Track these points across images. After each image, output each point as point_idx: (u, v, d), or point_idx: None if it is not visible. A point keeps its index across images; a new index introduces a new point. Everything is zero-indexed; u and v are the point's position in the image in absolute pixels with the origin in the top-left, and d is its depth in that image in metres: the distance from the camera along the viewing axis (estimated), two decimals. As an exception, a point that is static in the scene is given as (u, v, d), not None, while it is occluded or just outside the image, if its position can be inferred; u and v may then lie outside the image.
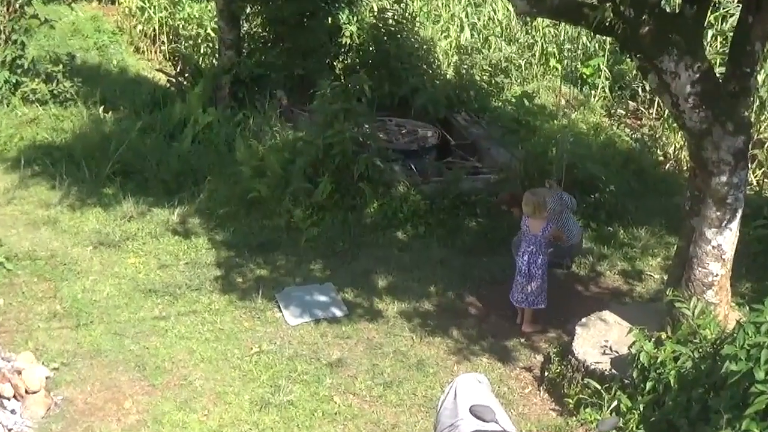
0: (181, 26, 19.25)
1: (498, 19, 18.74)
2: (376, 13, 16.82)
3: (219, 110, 14.73)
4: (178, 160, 13.46)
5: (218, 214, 12.33)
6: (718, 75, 8.50)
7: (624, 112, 16.58)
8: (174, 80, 16.23)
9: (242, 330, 10.07)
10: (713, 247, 8.47)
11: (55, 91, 15.31)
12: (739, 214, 8.45)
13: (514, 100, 15.91)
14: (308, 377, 9.32)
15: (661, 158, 15.15)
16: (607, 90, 16.92)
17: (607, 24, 7.92)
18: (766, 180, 14.10)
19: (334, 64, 16.47)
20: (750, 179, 13.40)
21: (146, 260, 11.34)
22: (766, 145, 14.16)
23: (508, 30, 18.57)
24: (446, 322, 10.45)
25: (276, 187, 12.50)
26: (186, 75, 16.16)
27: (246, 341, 9.86)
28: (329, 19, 16.24)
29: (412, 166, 13.54)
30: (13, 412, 8.43)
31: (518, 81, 17.35)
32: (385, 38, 16.33)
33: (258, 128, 13.82)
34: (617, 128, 15.89)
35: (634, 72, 16.37)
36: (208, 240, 11.87)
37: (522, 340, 10.19)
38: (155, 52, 19.62)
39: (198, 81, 15.42)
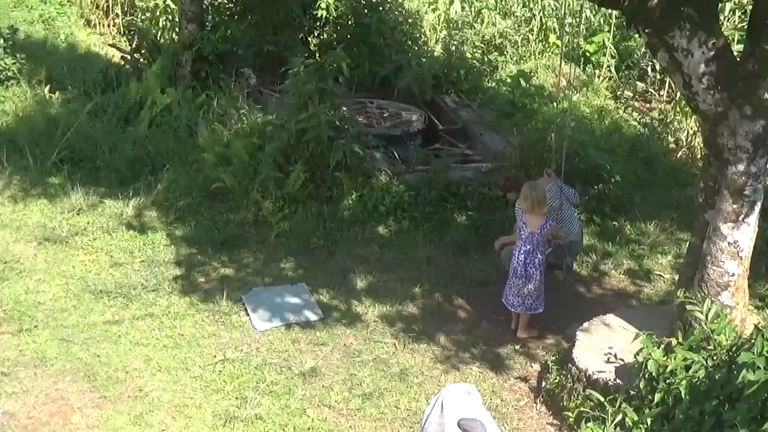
0: (137, -4, 19.16)
1: (492, -10, 18.75)
2: (355, -17, 16.78)
3: (179, 91, 14.72)
4: (133, 146, 13.45)
5: (178, 206, 12.34)
6: (735, 53, 8.45)
7: (631, 94, 16.68)
8: (129, 57, 16.19)
9: (204, 336, 10.05)
10: (729, 243, 8.46)
11: (-6, 69, 15.26)
12: (758, 207, 8.43)
13: (509, 80, 16.05)
14: (278, 388, 9.27)
15: (672, 145, 15.16)
16: (612, 69, 17.07)
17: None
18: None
19: (309, 39, 16.50)
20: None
21: (97, 258, 11.31)
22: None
23: (503, 2, 18.62)
24: (432, 327, 10.46)
25: (243, 176, 12.53)
26: (142, 51, 16.14)
27: (209, 348, 9.83)
28: (303, -12, 16.21)
29: (395, 154, 13.58)
30: (-55, 427, 8.40)
31: (514, 59, 17.45)
32: (366, 11, 16.35)
33: (223, 111, 13.81)
34: (624, 112, 15.98)
35: (643, 49, 16.49)
36: (167, 235, 11.87)
37: (517, 347, 10.19)
38: (108, 26, 19.53)
39: (156, 58, 15.39)
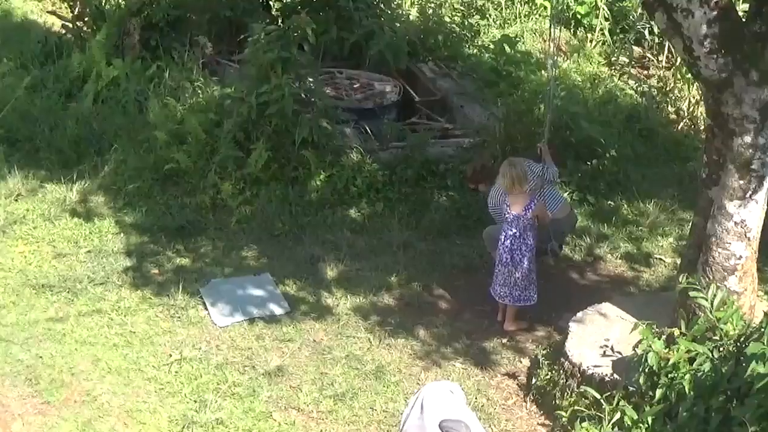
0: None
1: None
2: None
3: (127, 62, 14.66)
4: (76, 124, 13.43)
5: (127, 190, 12.34)
6: (740, 13, 8.45)
7: (627, 60, 16.67)
8: (70, 25, 16.06)
9: (159, 333, 10.03)
10: (736, 223, 8.46)
11: None
12: (766, 183, 8.42)
13: (492, 46, 16.06)
14: (241, 390, 9.26)
15: (673, 116, 15.18)
16: (606, 33, 17.08)
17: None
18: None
19: (270, 3, 16.43)
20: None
21: (38, 248, 11.28)
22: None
23: (485, -41, 18.54)
24: (411, 319, 10.48)
25: (199, 156, 12.53)
26: (85, 19, 15.97)
27: (163, 347, 9.82)
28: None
29: (368, 129, 13.57)
30: None
31: (497, 23, 17.50)
32: (333, -31, 16.28)
33: (176, 84, 13.78)
34: (619, 80, 15.98)
35: (639, 10, 16.52)
36: (116, 222, 11.87)
37: (504, 340, 10.21)
38: (47, -9, 19.39)
39: (100, 26, 15.29)
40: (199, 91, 13.40)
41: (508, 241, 10.07)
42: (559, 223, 10.77)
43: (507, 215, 10.09)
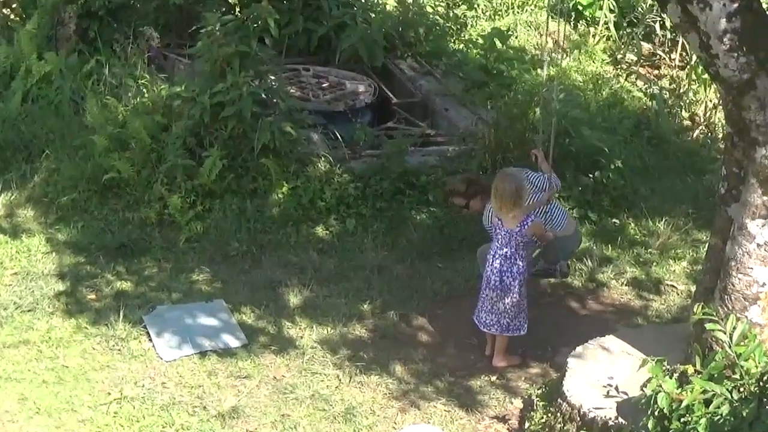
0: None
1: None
2: None
3: (61, 56, 14.67)
4: (2, 127, 13.49)
5: (60, 203, 12.35)
6: (764, 5, 8.48)
7: (635, 58, 16.75)
8: (-5, 13, 16.08)
9: (96, 368, 9.97)
10: (759, 245, 8.32)
11: None
12: (794, 200, 8.43)
13: (481, 41, 16.13)
14: (191, 433, 9.34)
15: (687, 122, 15.23)
16: (611, 27, 17.13)
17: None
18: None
19: (226, -11, 16.47)
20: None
21: (-44, 270, 11.25)
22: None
23: (473, -58, 18.63)
24: (386, 354, 10.47)
25: (143, 164, 12.50)
26: (13, 6, 16.01)
27: (101, 384, 9.74)
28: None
29: (338, 135, 13.53)
30: None
31: (487, 14, 17.61)
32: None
33: (117, 81, 13.76)
34: (626, 80, 16.04)
35: (649, 2, 16.61)
36: (47, 240, 11.89)
37: (493, 378, 10.18)
38: (-33, -26, 19.40)
39: (31, 14, 15.31)
40: (144, 90, 13.37)
41: (498, 262, 10.04)
42: (567, 240, 10.84)
43: (497, 232, 10.06)
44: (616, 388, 9.05)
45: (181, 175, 12.25)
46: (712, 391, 7.87)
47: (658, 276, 11.88)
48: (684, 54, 16.29)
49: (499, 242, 10.06)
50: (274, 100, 12.77)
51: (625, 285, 11.76)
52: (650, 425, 8.11)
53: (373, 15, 16.26)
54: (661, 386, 8.12)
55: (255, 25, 12.91)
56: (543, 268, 10.65)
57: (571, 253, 11.20)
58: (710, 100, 15.06)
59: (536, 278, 11.04)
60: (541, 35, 16.31)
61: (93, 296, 11.05)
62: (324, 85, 14.92)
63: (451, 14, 16.90)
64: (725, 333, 8.14)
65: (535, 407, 9.45)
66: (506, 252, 10.03)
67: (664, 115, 14.97)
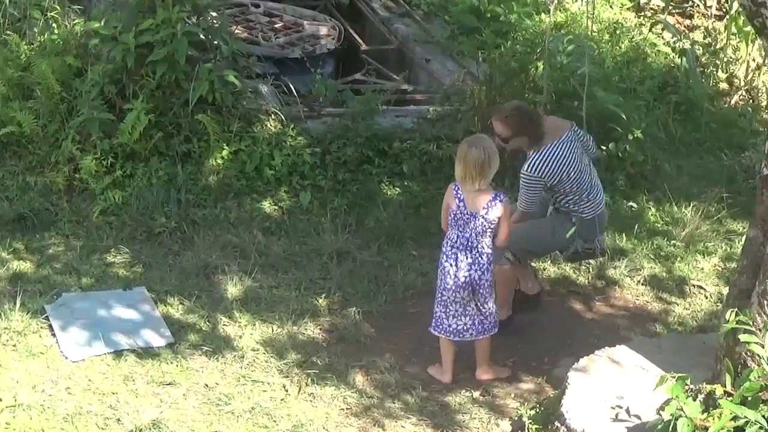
0: None
1: None
2: None
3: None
4: None
5: (-54, 165, 12.10)
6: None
7: (663, 4, 16.41)
8: None
9: (-15, 368, 9.50)
10: (807, 239, 8.06)
11: None
12: None
13: (472, -24, 15.61)
14: (101, 451, 8.82)
15: (724, 85, 15.07)
16: (633, -36, 16.91)
17: None
18: None
19: None
20: None
21: None
22: None
23: None
24: (344, 360, 10.02)
25: (50, 117, 12.15)
26: None
27: (-9, 388, 9.24)
28: None
29: (292, 88, 13.22)
30: None
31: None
32: None
33: (21, 13, 13.29)
34: (650, 32, 15.73)
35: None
36: (-72, 209, 11.57)
37: (476, 394, 9.72)
38: None
39: None
40: (54, 25, 12.97)
41: (463, 254, 9.49)
42: (604, 216, 10.61)
43: (458, 214, 9.51)
44: (627, 411, 8.81)
45: (96, 132, 11.83)
46: (745, 417, 7.78)
47: (682, 274, 11.50)
48: (723, 1, 16.07)
49: (460, 228, 9.56)
50: (215, 42, 12.43)
51: (642, 284, 11.37)
52: (668, 458, 7.96)
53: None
54: (682, 410, 8.00)
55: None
56: (582, 249, 10.29)
57: (604, 230, 10.84)
58: (753, 60, 14.96)
59: (573, 262, 11.07)
60: (547, -28, 16.71)
61: (-18, 280, 10.67)
62: (277, 25, 15.10)
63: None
64: (763, 347, 8.03)
65: (527, 430, 9.17)
66: (470, 240, 9.53)
67: (696, 77, 14.49)
